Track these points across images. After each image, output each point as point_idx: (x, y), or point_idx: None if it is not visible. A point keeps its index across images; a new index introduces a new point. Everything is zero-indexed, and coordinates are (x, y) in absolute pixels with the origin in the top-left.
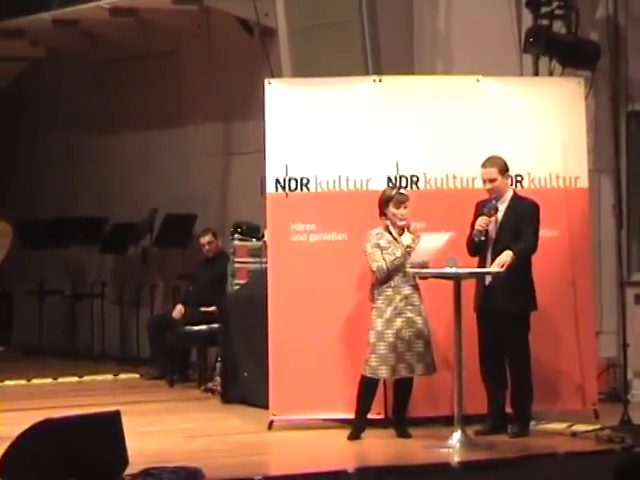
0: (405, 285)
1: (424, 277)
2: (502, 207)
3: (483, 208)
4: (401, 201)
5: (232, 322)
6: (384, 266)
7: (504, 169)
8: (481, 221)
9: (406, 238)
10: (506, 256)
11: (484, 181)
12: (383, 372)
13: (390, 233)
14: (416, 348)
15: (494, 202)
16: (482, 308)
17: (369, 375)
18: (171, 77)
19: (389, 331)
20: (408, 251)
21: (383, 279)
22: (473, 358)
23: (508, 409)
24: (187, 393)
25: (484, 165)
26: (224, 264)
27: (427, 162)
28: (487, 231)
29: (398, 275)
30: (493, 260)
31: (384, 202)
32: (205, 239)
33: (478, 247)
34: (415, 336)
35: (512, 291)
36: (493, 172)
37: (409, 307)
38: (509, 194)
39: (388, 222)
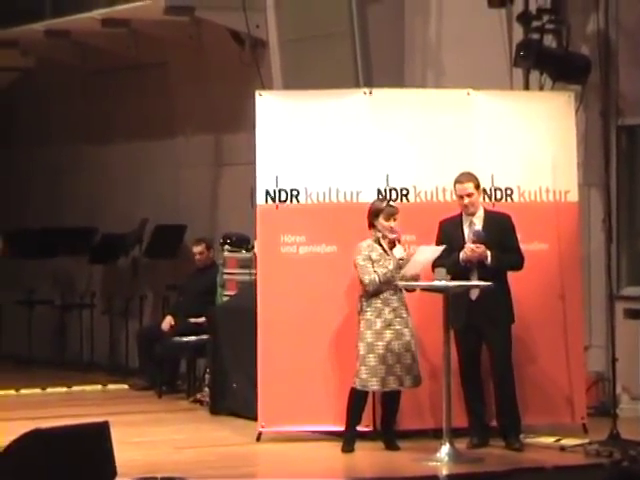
0: (394, 297)
1: (411, 290)
2: (478, 222)
3: (470, 234)
4: (391, 213)
5: (221, 333)
6: (377, 279)
7: (478, 184)
8: (468, 251)
9: (398, 251)
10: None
11: (461, 197)
12: (374, 384)
13: (380, 245)
14: (404, 360)
15: (482, 231)
16: (468, 322)
17: (359, 387)
18: (162, 88)
19: (379, 343)
20: (400, 264)
21: (374, 292)
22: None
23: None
24: (176, 404)
25: (460, 181)
26: (214, 275)
27: (417, 175)
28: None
29: (388, 288)
30: (480, 276)
31: (374, 214)
32: (197, 249)
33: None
34: (404, 348)
35: (500, 303)
36: (470, 187)
37: (398, 319)
38: (481, 210)
39: (378, 234)
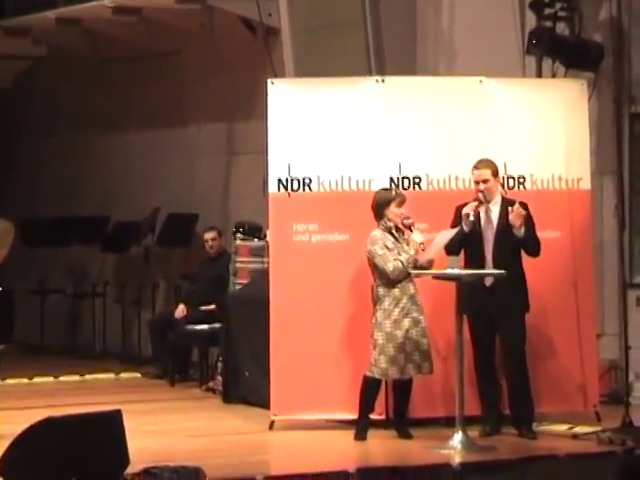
0: (410, 285)
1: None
2: (495, 209)
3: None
4: (403, 200)
5: (234, 322)
6: (400, 265)
7: (496, 172)
8: (469, 207)
9: (418, 236)
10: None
11: (477, 182)
12: (394, 373)
13: (391, 234)
14: (422, 347)
15: (480, 195)
16: (481, 309)
17: (378, 377)
18: (174, 76)
19: (398, 332)
20: (421, 248)
21: (397, 278)
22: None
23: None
24: (188, 392)
25: (477, 167)
26: (226, 264)
27: (429, 163)
28: (474, 218)
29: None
30: (494, 262)
31: (383, 204)
32: (209, 235)
33: (460, 244)
34: (421, 335)
35: (514, 291)
36: (487, 174)
37: (414, 307)
38: (498, 197)
39: (390, 223)
